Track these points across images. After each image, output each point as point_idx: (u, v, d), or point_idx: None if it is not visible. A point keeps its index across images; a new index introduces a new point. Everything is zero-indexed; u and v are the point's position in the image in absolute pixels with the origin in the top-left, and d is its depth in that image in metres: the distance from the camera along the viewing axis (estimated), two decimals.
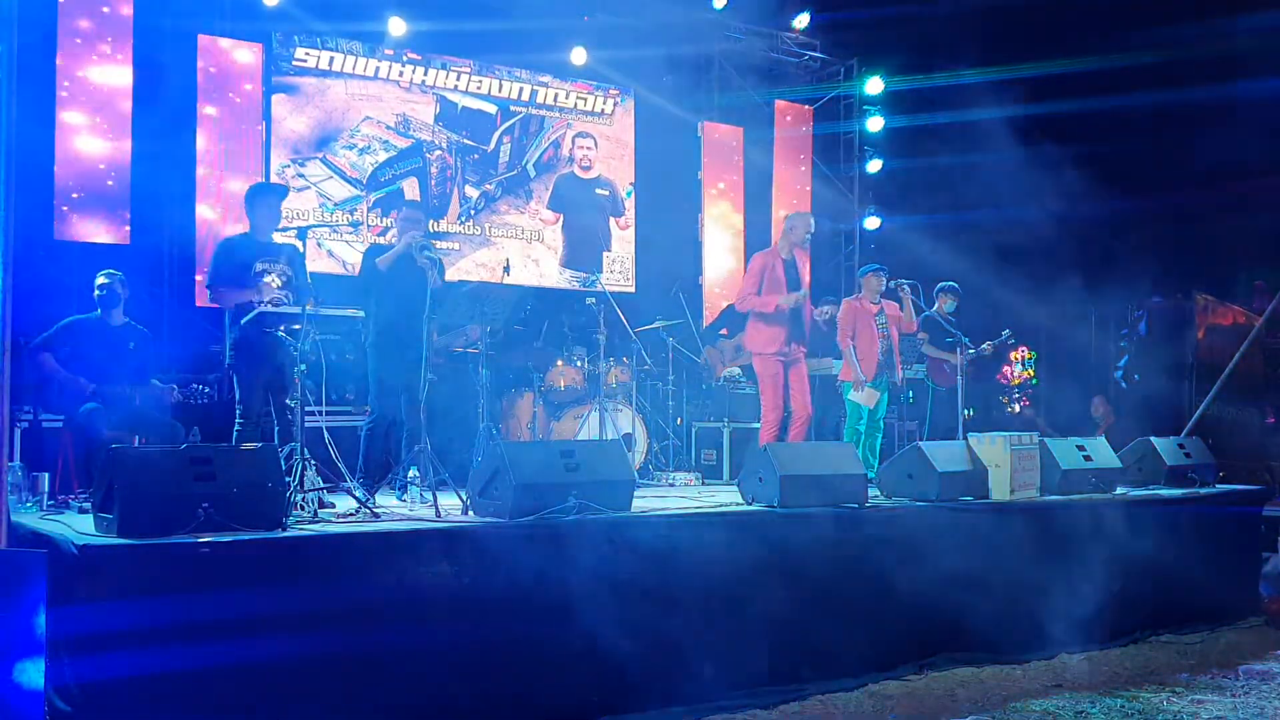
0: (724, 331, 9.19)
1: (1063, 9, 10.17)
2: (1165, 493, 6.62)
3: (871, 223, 11.79)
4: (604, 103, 10.60)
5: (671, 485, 7.35)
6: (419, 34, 9.39)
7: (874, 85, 11.55)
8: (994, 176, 10.48)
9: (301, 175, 8.99)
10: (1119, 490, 6.48)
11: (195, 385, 6.83)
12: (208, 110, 8.53)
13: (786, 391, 7.07)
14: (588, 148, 10.50)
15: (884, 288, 7.52)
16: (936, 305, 8.52)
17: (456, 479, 5.37)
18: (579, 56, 10.18)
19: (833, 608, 5.01)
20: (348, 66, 9.25)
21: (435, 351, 6.53)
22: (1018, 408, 11.73)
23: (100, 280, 6.67)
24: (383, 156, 9.40)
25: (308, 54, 9.09)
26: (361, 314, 5.68)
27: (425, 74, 9.60)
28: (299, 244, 5.71)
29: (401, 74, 9.49)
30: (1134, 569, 5.92)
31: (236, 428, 5.66)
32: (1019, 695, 4.85)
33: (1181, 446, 7.04)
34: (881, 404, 7.48)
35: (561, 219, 10.30)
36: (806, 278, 7.25)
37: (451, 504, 5.07)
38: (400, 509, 5.20)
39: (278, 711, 3.72)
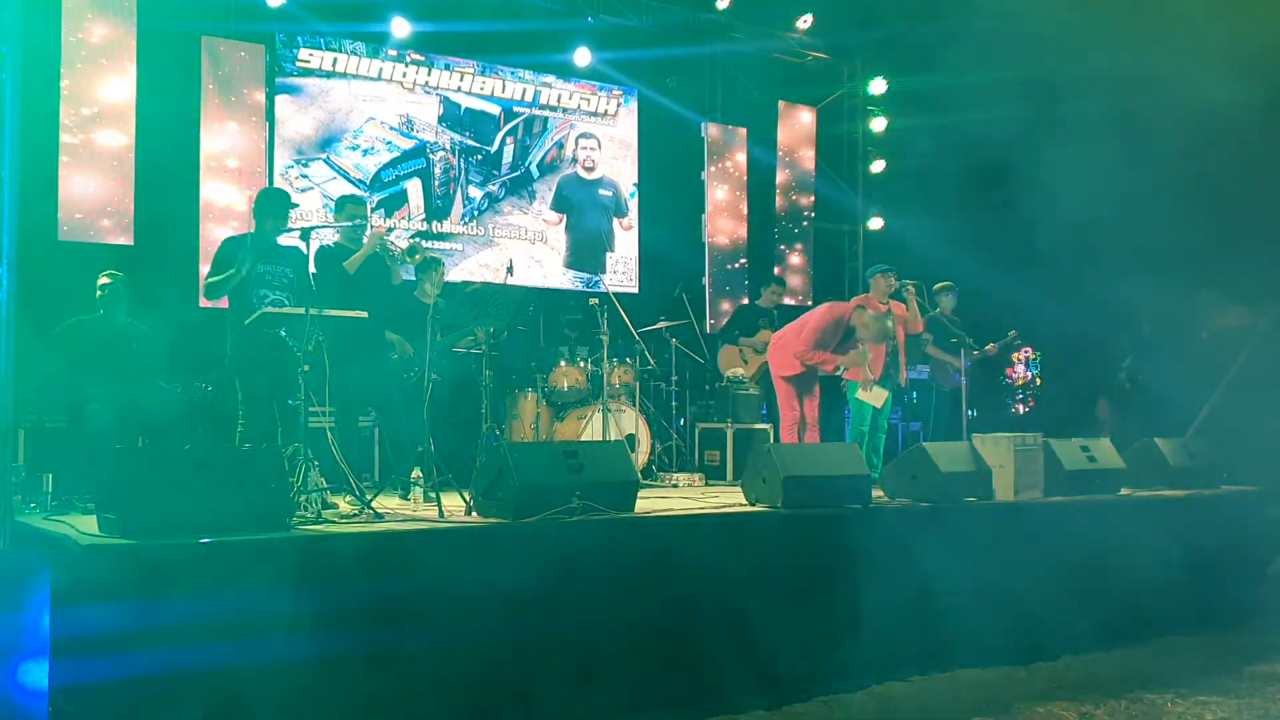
0: (738, 332, 9.17)
1: None
2: (1169, 494, 6.61)
3: (875, 223, 11.79)
4: (607, 103, 10.60)
5: (675, 486, 7.35)
6: (422, 35, 9.40)
7: (877, 85, 11.55)
8: (997, 176, 10.46)
9: (305, 176, 8.99)
10: (1123, 491, 6.46)
11: (198, 385, 6.84)
12: (211, 111, 8.54)
13: (800, 394, 7.11)
14: (591, 148, 10.50)
15: (892, 289, 7.53)
16: (939, 306, 8.51)
17: (460, 480, 5.37)
18: (582, 57, 10.19)
19: (837, 608, 5.01)
20: (351, 67, 9.26)
21: (439, 352, 6.53)
22: (1022, 408, 11.73)
23: (103, 280, 6.69)
24: (386, 157, 9.40)
25: (311, 55, 9.09)
26: (365, 315, 5.67)
27: (428, 75, 9.61)
28: (302, 245, 5.70)
29: (405, 75, 9.50)
30: (1138, 570, 5.91)
31: (239, 428, 5.67)
32: (1023, 697, 4.84)
33: (1186, 448, 7.03)
34: (886, 405, 7.49)
35: (565, 220, 10.30)
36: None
37: (455, 504, 5.07)
38: (404, 509, 5.19)
39: (282, 712, 3.72)
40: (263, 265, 5.78)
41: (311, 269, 5.93)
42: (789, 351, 7.19)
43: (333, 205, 7.25)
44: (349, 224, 6.32)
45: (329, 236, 7.02)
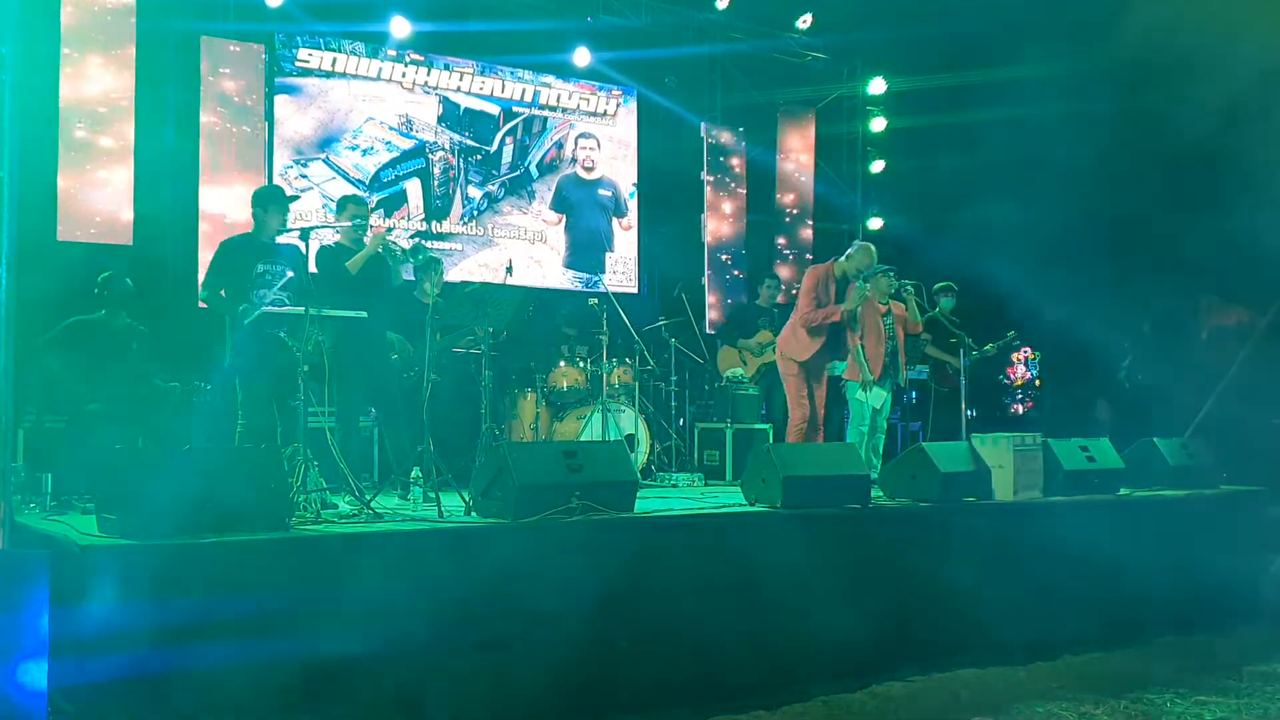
0: (737, 333, 9.17)
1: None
2: (1169, 494, 6.60)
3: (875, 223, 11.79)
4: (607, 103, 10.60)
5: (674, 486, 7.35)
6: (421, 34, 9.40)
7: (877, 86, 11.55)
8: (997, 176, 10.47)
9: (304, 176, 8.99)
10: (1122, 491, 6.46)
11: (198, 385, 6.84)
12: (210, 111, 8.54)
13: (810, 391, 7.07)
14: (590, 148, 10.50)
15: (892, 289, 7.52)
16: (937, 306, 8.51)
17: (459, 480, 5.36)
18: (582, 57, 10.19)
19: (836, 608, 5.00)
20: (350, 67, 9.26)
21: (438, 352, 6.53)
22: (1021, 408, 11.73)
23: (104, 280, 6.68)
24: (385, 157, 9.40)
25: (310, 55, 9.09)
26: (365, 314, 5.67)
27: (428, 75, 9.61)
28: (301, 245, 5.70)
29: (404, 75, 9.50)
30: (1137, 570, 5.90)
31: (239, 429, 5.67)
32: (1022, 696, 4.83)
33: (1185, 447, 7.02)
34: (885, 405, 7.49)
35: (564, 220, 10.30)
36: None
37: (455, 505, 5.07)
38: (403, 510, 5.19)
39: (281, 712, 3.72)
40: (262, 265, 5.79)
41: (312, 269, 5.93)
42: (799, 328, 7.09)
43: (333, 205, 7.26)
44: (349, 224, 6.32)
45: (329, 236, 7.03)
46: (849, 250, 7.17)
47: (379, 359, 6.31)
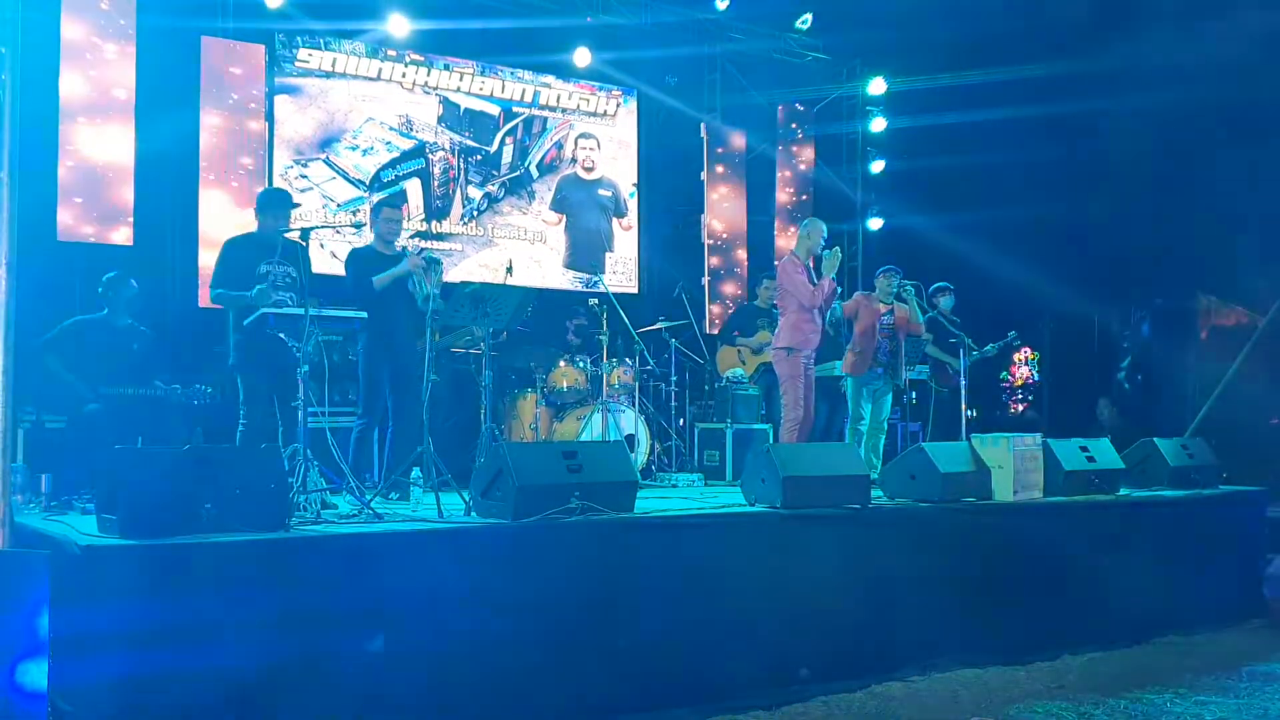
0: (737, 332, 9.17)
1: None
2: (1168, 494, 6.60)
3: (875, 223, 11.79)
4: (607, 103, 10.60)
5: (674, 486, 7.35)
6: (421, 35, 9.40)
7: (877, 86, 11.55)
8: (997, 176, 10.48)
9: (304, 176, 8.99)
10: (1122, 491, 6.46)
11: (198, 386, 6.84)
12: (210, 111, 8.55)
13: (805, 393, 7.08)
14: (590, 148, 10.50)
15: (893, 289, 7.53)
16: (937, 306, 8.52)
17: (459, 480, 5.37)
18: (582, 57, 10.19)
19: (835, 609, 5.00)
20: (350, 67, 9.26)
21: (438, 352, 6.54)
22: (1022, 408, 11.73)
23: (104, 281, 6.69)
24: (386, 157, 9.40)
25: (310, 55, 9.10)
26: (365, 315, 5.68)
27: (428, 75, 9.61)
28: (303, 244, 5.72)
29: (404, 75, 9.50)
30: (1137, 570, 5.90)
31: (240, 429, 5.67)
32: (1022, 696, 4.84)
33: (1185, 447, 7.01)
34: (885, 405, 7.50)
35: (564, 220, 10.31)
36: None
37: (455, 505, 5.07)
38: (403, 510, 5.19)
39: (280, 713, 3.72)
40: (265, 265, 5.80)
41: (340, 271, 5.97)
42: (800, 317, 7.05)
43: (334, 206, 7.29)
44: (350, 226, 6.36)
45: (360, 240, 7.09)
46: (799, 236, 7.36)
47: (405, 364, 6.33)
